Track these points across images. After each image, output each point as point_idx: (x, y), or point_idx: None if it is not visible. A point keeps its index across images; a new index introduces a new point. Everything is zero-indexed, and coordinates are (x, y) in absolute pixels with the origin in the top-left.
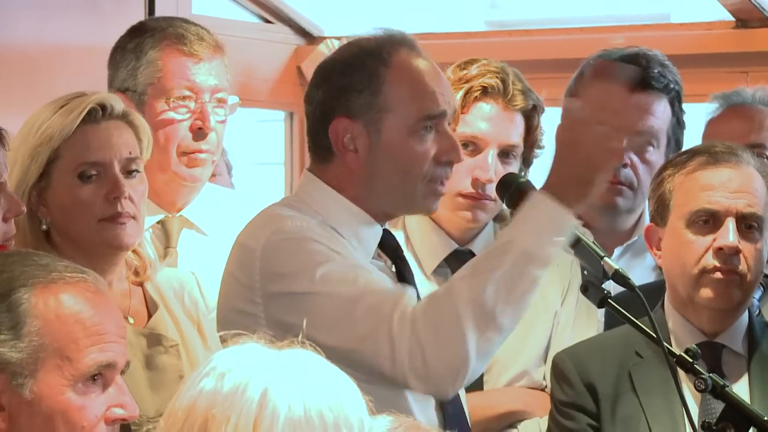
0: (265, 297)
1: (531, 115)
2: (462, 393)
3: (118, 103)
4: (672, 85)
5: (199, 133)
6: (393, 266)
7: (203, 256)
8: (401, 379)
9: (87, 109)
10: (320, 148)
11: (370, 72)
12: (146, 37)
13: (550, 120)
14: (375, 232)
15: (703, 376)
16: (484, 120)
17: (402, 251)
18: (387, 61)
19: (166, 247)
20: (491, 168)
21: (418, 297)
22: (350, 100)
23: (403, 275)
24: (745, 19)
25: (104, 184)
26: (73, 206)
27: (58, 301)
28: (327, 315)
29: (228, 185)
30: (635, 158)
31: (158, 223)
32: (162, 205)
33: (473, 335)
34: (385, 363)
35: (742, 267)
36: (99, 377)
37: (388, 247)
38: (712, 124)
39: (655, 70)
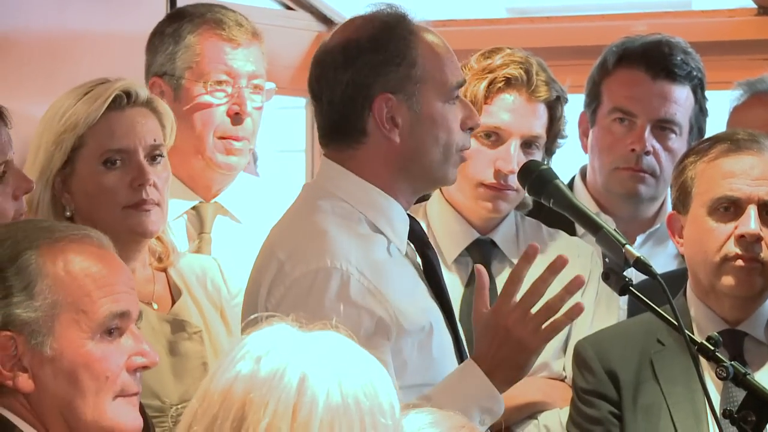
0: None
1: (554, 106)
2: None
3: (142, 90)
4: (695, 73)
5: (236, 118)
6: (420, 255)
7: (237, 242)
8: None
9: (112, 97)
10: (352, 131)
11: (404, 44)
12: (185, 22)
13: (573, 107)
14: (403, 219)
15: (724, 363)
16: (507, 111)
17: (428, 238)
18: (414, 32)
19: (201, 233)
20: (513, 159)
21: (443, 288)
22: (388, 75)
23: (431, 263)
24: (767, 6)
25: (129, 171)
26: (97, 193)
27: (66, 258)
28: None
29: (253, 173)
30: (658, 146)
31: (193, 209)
32: (197, 190)
33: None
34: None
35: (764, 254)
36: (115, 328)
37: (415, 234)
38: (736, 112)
39: (678, 58)
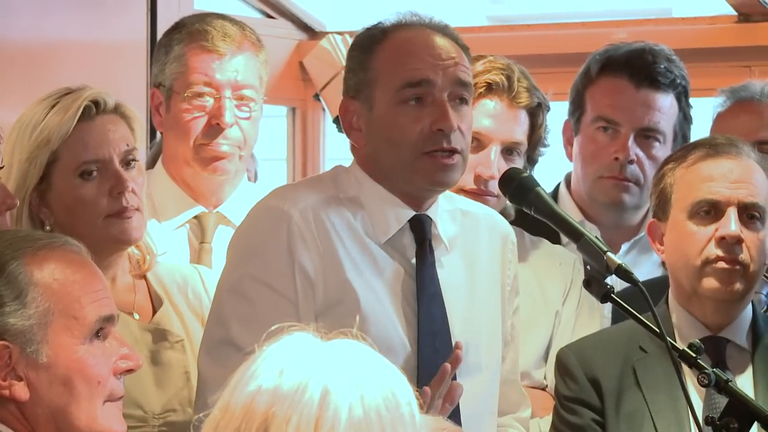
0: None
1: (536, 113)
2: None
3: (109, 97)
4: (679, 81)
5: (215, 128)
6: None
7: None
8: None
9: (82, 108)
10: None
11: (364, 51)
12: (176, 32)
13: (555, 115)
14: (398, 215)
15: (706, 370)
16: (487, 117)
17: (429, 237)
18: (381, 39)
19: (201, 242)
20: (494, 165)
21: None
22: (349, 80)
23: (421, 262)
24: (748, 13)
25: (106, 180)
26: (77, 205)
27: (52, 265)
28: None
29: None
30: (641, 154)
31: (195, 218)
32: (196, 198)
33: None
34: None
35: (745, 256)
36: (100, 332)
37: (419, 228)
38: (720, 119)
39: (662, 66)
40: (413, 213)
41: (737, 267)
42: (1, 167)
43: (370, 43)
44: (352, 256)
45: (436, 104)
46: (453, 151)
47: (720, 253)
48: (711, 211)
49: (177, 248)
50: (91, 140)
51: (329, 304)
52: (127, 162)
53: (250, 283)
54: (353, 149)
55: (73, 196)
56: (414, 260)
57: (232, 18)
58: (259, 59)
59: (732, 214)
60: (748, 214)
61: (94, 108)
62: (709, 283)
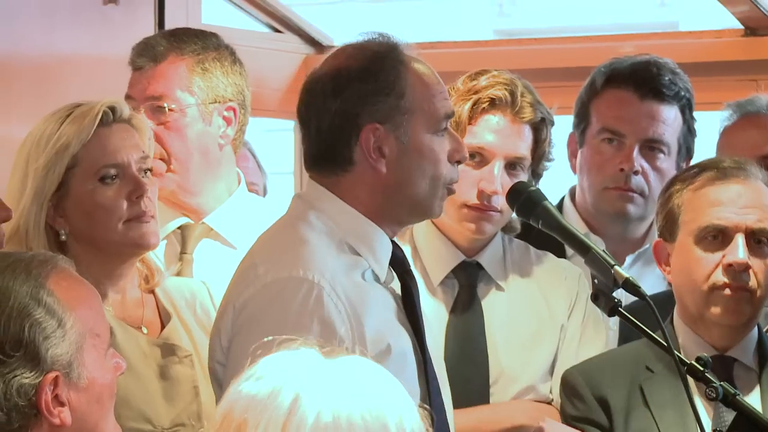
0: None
1: (539, 128)
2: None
3: (125, 106)
4: (683, 93)
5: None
6: (399, 281)
7: (223, 267)
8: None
9: (101, 113)
10: (339, 159)
11: (393, 75)
12: None
13: (560, 129)
14: (386, 247)
15: (714, 384)
16: (491, 132)
17: (409, 265)
18: (405, 63)
19: (182, 252)
20: (497, 180)
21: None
22: (376, 105)
23: (409, 289)
24: (754, 27)
25: (125, 185)
26: (96, 210)
27: (70, 287)
28: None
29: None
30: (646, 165)
31: (179, 228)
32: (177, 209)
33: None
34: None
35: (752, 283)
36: (110, 345)
37: (396, 260)
38: (726, 133)
39: (666, 78)
40: (391, 243)
41: (744, 294)
42: None
43: (399, 67)
44: (372, 311)
45: (454, 136)
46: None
47: (727, 279)
48: (718, 236)
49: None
50: (109, 145)
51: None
52: (142, 170)
53: None
54: (336, 174)
55: (93, 201)
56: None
57: (177, 29)
58: (185, 66)
59: (740, 240)
60: (756, 239)
61: (111, 114)
62: (716, 309)
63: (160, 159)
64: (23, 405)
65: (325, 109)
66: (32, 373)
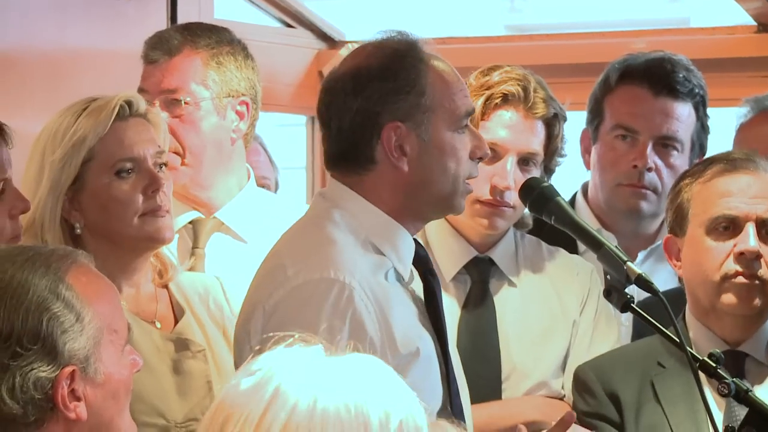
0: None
1: (552, 123)
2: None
3: (141, 100)
4: (697, 90)
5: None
6: (422, 281)
7: (239, 262)
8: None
9: (118, 107)
10: (360, 158)
11: (414, 73)
12: None
13: (571, 125)
14: (409, 245)
15: (726, 380)
16: (504, 127)
17: (432, 264)
18: (425, 61)
19: (194, 247)
20: (510, 175)
21: (441, 317)
22: (398, 103)
23: (432, 290)
24: (767, 23)
25: (141, 179)
26: (112, 204)
27: (89, 282)
28: None
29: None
30: (660, 162)
31: (190, 223)
32: (187, 203)
33: None
34: None
35: (764, 272)
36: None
37: (420, 259)
38: (743, 129)
39: (680, 75)
40: (413, 242)
41: (756, 282)
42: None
43: (420, 65)
44: (398, 313)
45: (475, 133)
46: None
47: (739, 268)
48: (729, 226)
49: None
50: (126, 139)
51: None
52: (158, 164)
53: None
54: (358, 173)
55: (109, 195)
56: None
57: (186, 25)
58: (201, 59)
59: (751, 229)
60: (766, 229)
61: (128, 109)
62: (728, 298)
63: (174, 153)
64: (40, 399)
65: (345, 109)
66: (49, 367)
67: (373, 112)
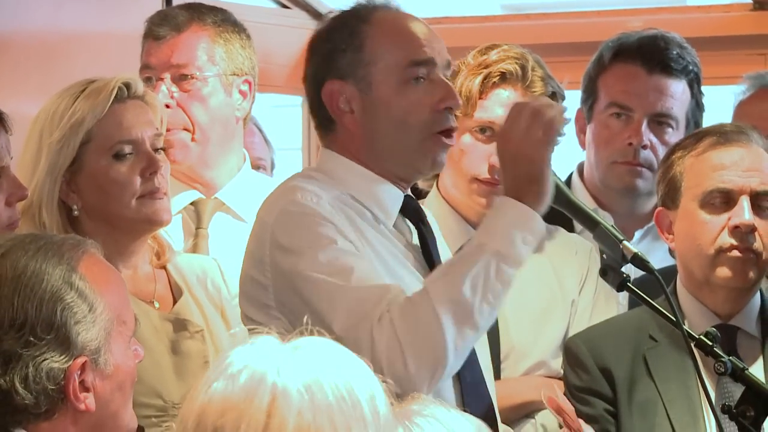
0: (273, 270)
1: None
2: (484, 358)
3: (139, 83)
4: (691, 67)
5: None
6: (415, 231)
7: (239, 241)
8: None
9: (116, 89)
10: (323, 120)
11: (351, 30)
12: None
13: (569, 104)
14: (394, 195)
15: (722, 359)
16: (502, 106)
17: (425, 215)
18: (367, 18)
19: (197, 228)
20: None
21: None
22: (336, 61)
23: (424, 238)
24: (763, 1)
25: (139, 161)
26: (110, 186)
27: (100, 272)
28: (316, 302)
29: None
30: (654, 140)
31: (192, 204)
32: (190, 183)
33: (451, 335)
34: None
35: (758, 245)
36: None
37: (411, 210)
38: (742, 106)
39: (674, 52)
40: (403, 194)
41: (751, 255)
42: (11, 158)
43: (357, 23)
44: (375, 247)
45: (441, 83)
46: (453, 131)
47: (734, 241)
48: (723, 199)
49: (173, 236)
50: (124, 121)
51: None
52: (156, 147)
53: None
54: (328, 135)
55: (106, 177)
56: (416, 242)
57: (189, 4)
58: (209, 38)
59: (745, 202)
60: (761, 202)
61: (126, 91)
62: (723, 272)
63: (184, 129)
64: (52, 389)
65: (306, 76)
66: (62, 357)
67: (319, 74)
